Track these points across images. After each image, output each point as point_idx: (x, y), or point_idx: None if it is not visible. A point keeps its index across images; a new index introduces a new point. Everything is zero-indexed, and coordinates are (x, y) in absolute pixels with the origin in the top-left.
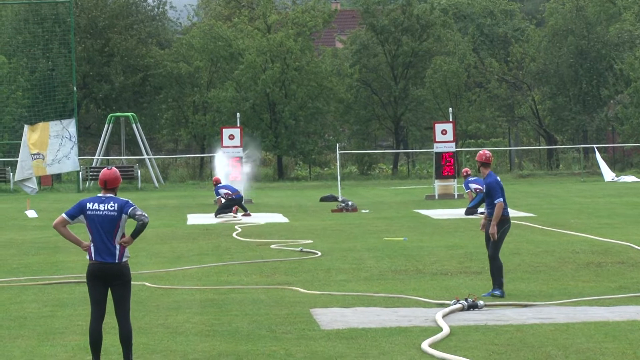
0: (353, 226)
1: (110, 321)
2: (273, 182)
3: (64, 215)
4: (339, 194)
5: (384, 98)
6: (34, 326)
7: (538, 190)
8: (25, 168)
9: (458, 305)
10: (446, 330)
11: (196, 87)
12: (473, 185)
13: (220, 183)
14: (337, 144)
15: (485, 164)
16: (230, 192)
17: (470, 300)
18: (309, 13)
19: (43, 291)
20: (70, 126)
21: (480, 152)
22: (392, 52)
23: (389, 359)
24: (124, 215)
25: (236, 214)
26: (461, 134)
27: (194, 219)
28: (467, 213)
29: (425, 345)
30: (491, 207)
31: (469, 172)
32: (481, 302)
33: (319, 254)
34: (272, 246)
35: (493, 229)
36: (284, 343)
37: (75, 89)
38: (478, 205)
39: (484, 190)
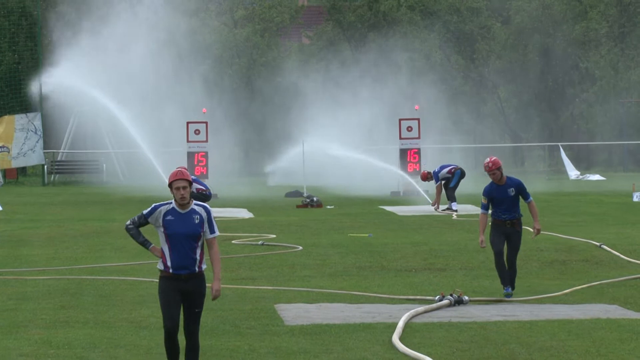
0: (318, 222)
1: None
2: (238, 177)
3: None
4: (304, 190)
5: None
6: None
7: None
8: None
9: (445, 302)
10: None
11: None
12: (444, 171)
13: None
14: (303, 141)
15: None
16: (203, 188)
17: (455, 295)
18: (275, 9)
19: (7, 284)
20: (35, 119)
21: (494, 159)
22: (358, 48)
23: (353, 355)
24: None
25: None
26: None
27: None
28: (449, 198)
29: (395, 339)
30: (511, 211)
31: (428, 172)
32: (466, 298)
33: (300, 248)
34: (234, 241)
35: (539, 225)
36: (248, 338)
37: (41, 82)
38: (458, 183)
39: (511, 193)
